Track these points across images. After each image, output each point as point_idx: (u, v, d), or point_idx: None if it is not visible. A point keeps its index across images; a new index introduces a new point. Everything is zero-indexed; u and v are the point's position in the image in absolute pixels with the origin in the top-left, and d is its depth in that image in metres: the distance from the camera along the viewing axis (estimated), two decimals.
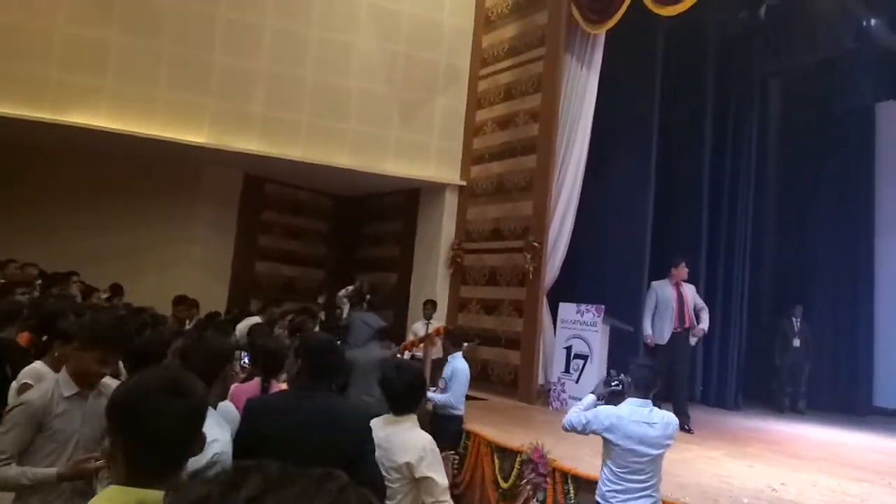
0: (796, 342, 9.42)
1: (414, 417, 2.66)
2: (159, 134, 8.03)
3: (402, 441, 2.52)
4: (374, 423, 2.47)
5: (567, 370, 7.51)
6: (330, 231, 11.08)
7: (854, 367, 9.42)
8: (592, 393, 3.82)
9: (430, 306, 8.20)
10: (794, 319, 9.46)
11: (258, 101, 8.54)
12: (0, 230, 8.21)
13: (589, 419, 3.53)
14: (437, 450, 2.59)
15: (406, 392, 2.65)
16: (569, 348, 7.54)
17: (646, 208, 8.59)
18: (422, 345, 7.39)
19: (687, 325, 6.82)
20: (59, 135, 8.05)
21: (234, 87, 8.44)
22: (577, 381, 7.36)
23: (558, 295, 8.08)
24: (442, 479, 2.50)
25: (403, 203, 10.09)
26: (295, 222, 10.60)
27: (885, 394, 9.31)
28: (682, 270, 6.94)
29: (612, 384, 3.81)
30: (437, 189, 9.36)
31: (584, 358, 7.35)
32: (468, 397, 7.97)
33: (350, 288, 8.52)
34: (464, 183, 9.19)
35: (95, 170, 8.84)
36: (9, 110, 7.52)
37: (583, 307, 7.46)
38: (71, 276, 7.39)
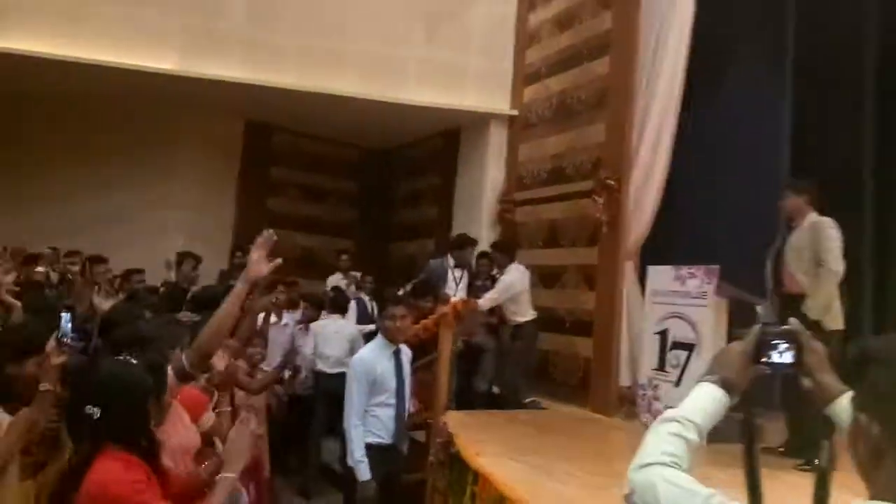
0: None
1: None
2: (116, 60, 6.22)
3: None
4: None
5: (661, 367, 4.98)
6: (358, 191, 9.00)
7: None
8: (705, 379, 1.33)
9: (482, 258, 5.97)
10: None
11: (236, 17, 6.57)
12: None
13: None
14: None
15: None
16: (663, 333, 5.01)
17: (779, 128, 5.85)
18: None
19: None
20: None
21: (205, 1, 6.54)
22: (677, 384, 4.82)
23: (651, 259, 5.56)
24: None
25: (440, 149, 7.83)
26: (313, 181, 8.61)
27: None
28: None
29: (773, 344, 1.32)
30: (479, 123, 7.02)
31: (688, 348, 4.80)
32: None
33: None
34: (514, 112, 6.78)
35: (54, 125, 7.21)
36: None
37: (684, 271, 4.90)
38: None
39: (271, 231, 2.24)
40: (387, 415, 3.26)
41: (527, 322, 5.46)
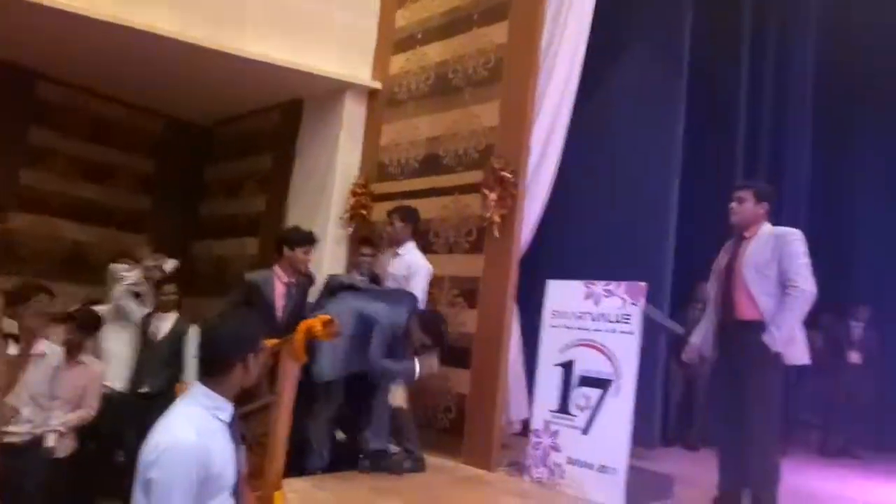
0: (855, 357, 6.62)
1: None
2: None
3: None
4: None
5: (564, 409, 3.94)
6: (156, 172, 6.96)
7: None
8: None
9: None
10: (852, 324, 6.66)
11: None
12: None
13: None
14: None
15: None
16: (567, 366, 3.99)
17: (674, 131, 5.26)
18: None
19: None
20: None
21: None
22: (585, 430, 3.81)
23: (531, 272, 4.57)
24: None
25: (276, 126, 6.23)
26: (93, 153, 6.46)
27: None
28: None
29: None
30: (331, 96, 5.58)
31: (602, 385, 3.81)
32: None
33: None
34: (377, 84, 5.46)
35: None
36: None
37: (599, 287, 3.93)
38: None
39: None
40: None
41: None
